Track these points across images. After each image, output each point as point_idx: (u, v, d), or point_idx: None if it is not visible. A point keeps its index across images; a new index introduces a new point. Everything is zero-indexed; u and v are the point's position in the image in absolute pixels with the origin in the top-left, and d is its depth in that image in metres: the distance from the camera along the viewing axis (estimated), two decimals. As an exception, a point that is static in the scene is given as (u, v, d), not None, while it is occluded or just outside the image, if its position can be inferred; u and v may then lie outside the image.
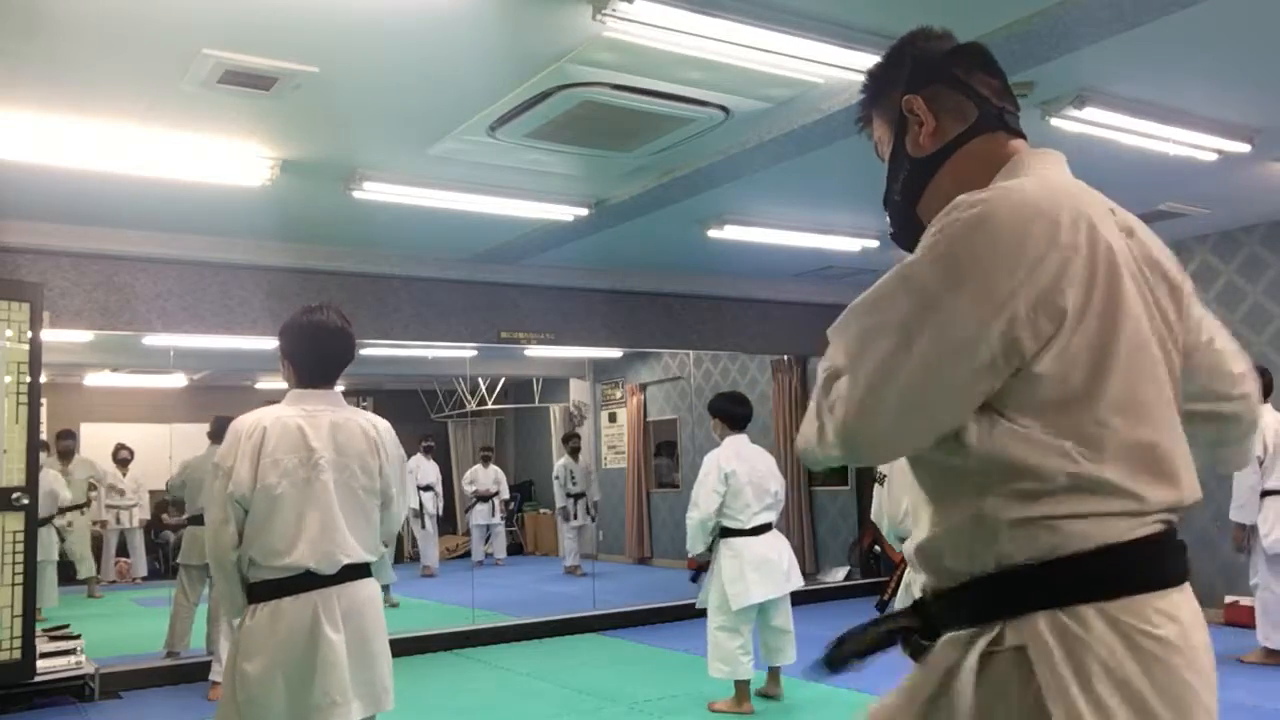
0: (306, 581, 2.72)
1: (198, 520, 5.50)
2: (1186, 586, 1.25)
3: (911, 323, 1.18)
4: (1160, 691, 1.16)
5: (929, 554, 1.30)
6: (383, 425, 2.99)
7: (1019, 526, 1.20)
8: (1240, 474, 5.59)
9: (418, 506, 10.30)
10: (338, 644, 2.71)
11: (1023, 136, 1.42)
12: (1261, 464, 5.64)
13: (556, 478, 11.00)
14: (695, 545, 5.33)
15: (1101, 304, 1.20)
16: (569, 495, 10.82)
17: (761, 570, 5.21)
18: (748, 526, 5.26)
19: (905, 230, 1.47)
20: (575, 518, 10.79)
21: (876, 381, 1.19)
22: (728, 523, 5.28)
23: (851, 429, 1.21)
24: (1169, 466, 1.23)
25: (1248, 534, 5.76)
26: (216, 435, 5.73)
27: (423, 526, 10.71)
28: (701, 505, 5.24)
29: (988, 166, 1.36)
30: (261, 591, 2.74)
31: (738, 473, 5.23)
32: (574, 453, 10.94)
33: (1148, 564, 1.21)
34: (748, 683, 5.21)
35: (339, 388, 3.04)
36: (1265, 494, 5.68)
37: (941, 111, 1.41)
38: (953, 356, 1.17)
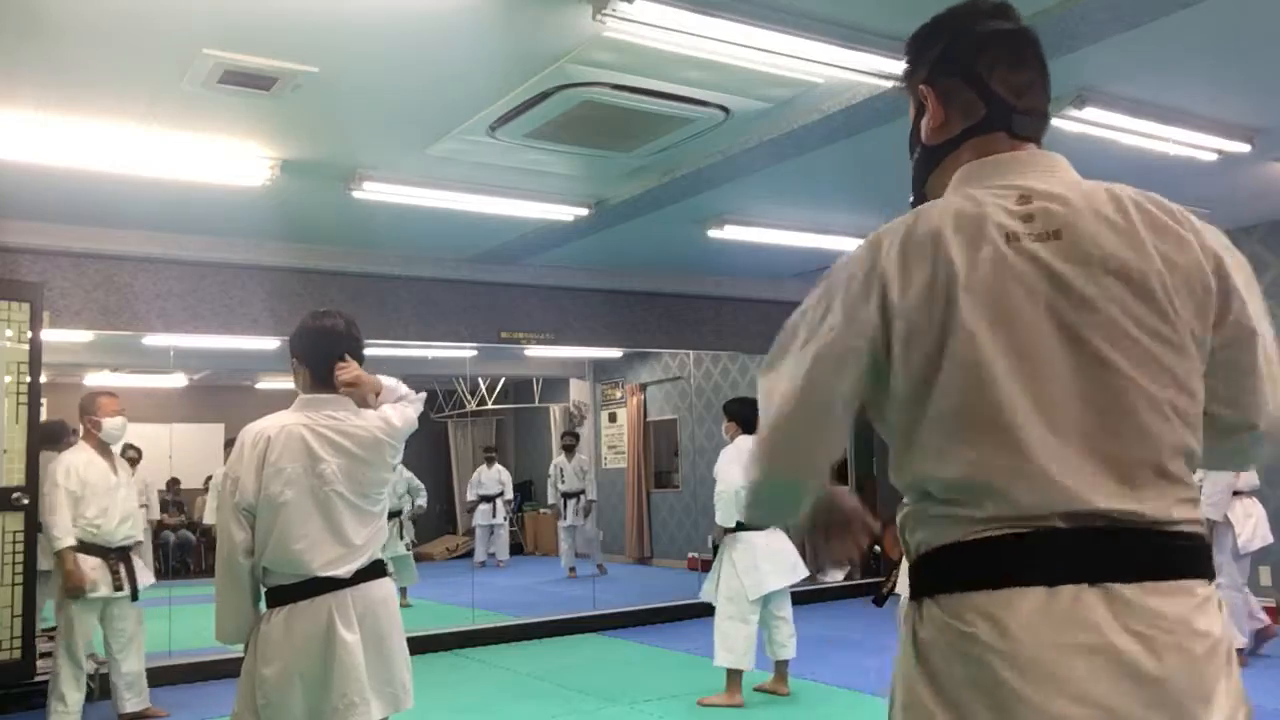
0: (320, 585, 2.73)
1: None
2: (1063, 590, 1.18)
3: (806, 340, 1.36)
4: (978, 692, 1.18)
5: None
6: (385, 426, 2.92)
7: (915, 522, 1.33)
8: (1216, 472, 5.58)
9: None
10: (353, 645, 2.71)
11: (1031, 140, 1.41)
12: None
13: (549, 476, 11.00)
14: (729, 517, 5.37)
15: (935, 326, 1.26)
16: (561, 494, 10.78)
17: (773, 560, 5.34)
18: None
19: (918, 205, 1.50)
20: (565, 517, 10.75)
21: (787, 409, 1.35)
22: (739, 517, 5.36)
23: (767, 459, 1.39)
24: (1012, 484, 1.22)
25: (1213, 530, 5.73)
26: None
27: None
28: (729, 478, 5.31)
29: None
30: (276, 596, 2.75)
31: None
32: (567, 450, 10.91)
33: (978, 564, 1.23)
34: (741, 675, 5.28)
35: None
36: (1236, 493, 5.73)
37: (951, 107, 1.42)
38: (828, 371, 1.33)
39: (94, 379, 8.21)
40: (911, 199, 1.53)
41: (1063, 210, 1.29)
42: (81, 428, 5.24)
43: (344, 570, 2.75)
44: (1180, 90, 4.48)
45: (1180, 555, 1.23)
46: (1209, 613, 1.22)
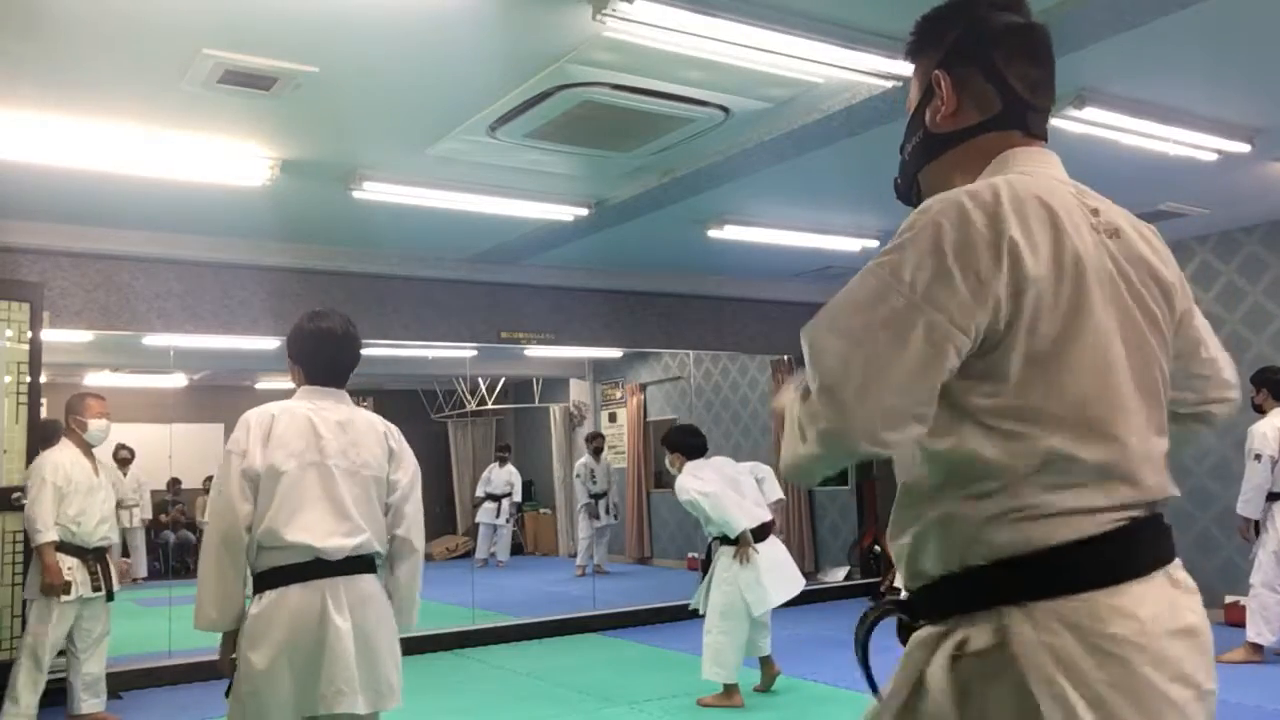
0: (314, 569, 2.72)
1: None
2: (1156, 577, 1.23)
3: (902, 315, 1.19)
4: (1120, 690, 1.17)
5: (902, 556, 1.35)
6: (392, 427, 3.04)
7: (978, 527, 1.24)
8: (1251, 471, 5.80)
9: None
10: (345, 632, 2.70)
11: (1041, 138, 1.41)
12: (1275, 464, 5.76)
13: (578, 476, 10.94)
14: (739, 523, 5.31)
15: (1064, 303, 1.22)
16: (591, 495, 10.76)
17: (774, 574, 5.33)
18: (753, 523, 5.33)
19: (906, 190, 1.51)
20: (599, 517, 10.71)
21: (872, 373, 1.19)
22: (729, 531, 5.34)
23: (840, 420, 1.20)
24: (1125, 468, 1.24)
25: (1251, 528, 5.89)
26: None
27: None
28: (706, 492, 5.26)
29: (985, 163, 1.37)
30: (269, 580, 2.73)
31: (710, 480, 5.32)
32: (596, 453, 10.87)
33: (1100, 561, 1.21)
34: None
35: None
36: (1273, 496, 5.79)
37: (965, 96, 1.39)
38: (943, 344, 1.19)
39: (94, 379, 8.21)
40: (898, 183, 1.51)
41: (1108, 211, 1.34)
42: (65, 427, 5.22)
43: (340, 545, 2.74)
44: (1180, 90, 4.47)
45: (1172, 537, 1.33)
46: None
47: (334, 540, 2.74)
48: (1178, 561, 1.30)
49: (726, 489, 5.34)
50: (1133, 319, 1.29)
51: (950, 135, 1.40)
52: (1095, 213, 1.31)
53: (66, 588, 4.95)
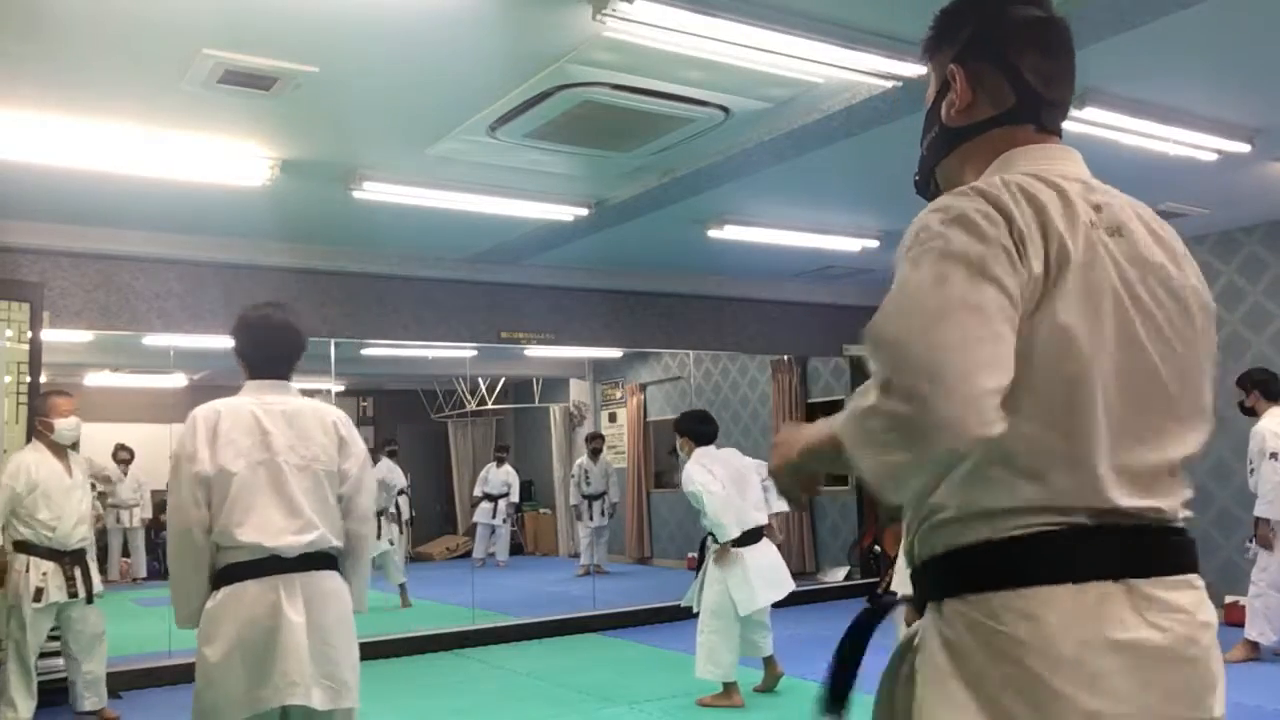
0: (269, 565, 2.73)
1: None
2: (1090, 587, 1.19)
3: (971, 290, 1.16)
4: (1014, 690, 1.16)
5: (906, 546, 1.38)
6: (340, 415, 3.01)
7: (942, 519, 1.27)
8: (1270, 470, 5.67)
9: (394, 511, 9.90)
10: (299, 626, 2.71)
11: (1055, 133, 1.40)
12: None
13: (572, 476, 10.96)
14: (730, 532, 5.30)
15: (1039, 299, 1.20)
16: (584, 495, 10.74)
17: (765, 575, 5.34)
18: (744, 529, 5.33)
19: (924, 185, 1.51)
20: (591, 518, 10.72)
21: (969, 350, 1.13)
22: (718, 535, 5.35)
23: (946, 405, 1.10)
24: (1055, 476, 1.20)
25: (1273, 529, 5.77)
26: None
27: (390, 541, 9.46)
28: (709, 488, 5.26)
29: (995, 157, 1.37)
30: (225, 576, 2.75)
31: (716, 475, 5.33)
32: (594, 454, 10.85)
33: (1004, 563, 1.21)
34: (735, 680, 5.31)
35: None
36: None
37: (979, 91, 1.39)
38: (1011, 316, 1.17)
39: (94, 379, 8.22)
40: (916, 178, 1.52)
41: (1117, 208, 1.31)
42: (34, 428, 5.16)
43: (293, 543, 2.74)
44: (1180, 90, 4.48)
45: (1184, 551, 1.28)
46: (1208, 604, 1.27)
47: (286, 539, 2.75)
48: (1175, 579, 1.24)
49: (731, 490, 5.33)
50: (1126, 321, 1.25)
51: (964, 129, 1.41)
52: (1098, 209, 1.28)
53: (38, 594, 4.90)
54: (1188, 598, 1.24)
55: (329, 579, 2.84)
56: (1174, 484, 1.28)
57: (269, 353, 2.99)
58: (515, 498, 11.45)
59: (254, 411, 2.84)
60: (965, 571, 1.23)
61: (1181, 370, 1.29)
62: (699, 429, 5.58)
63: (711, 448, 5.53)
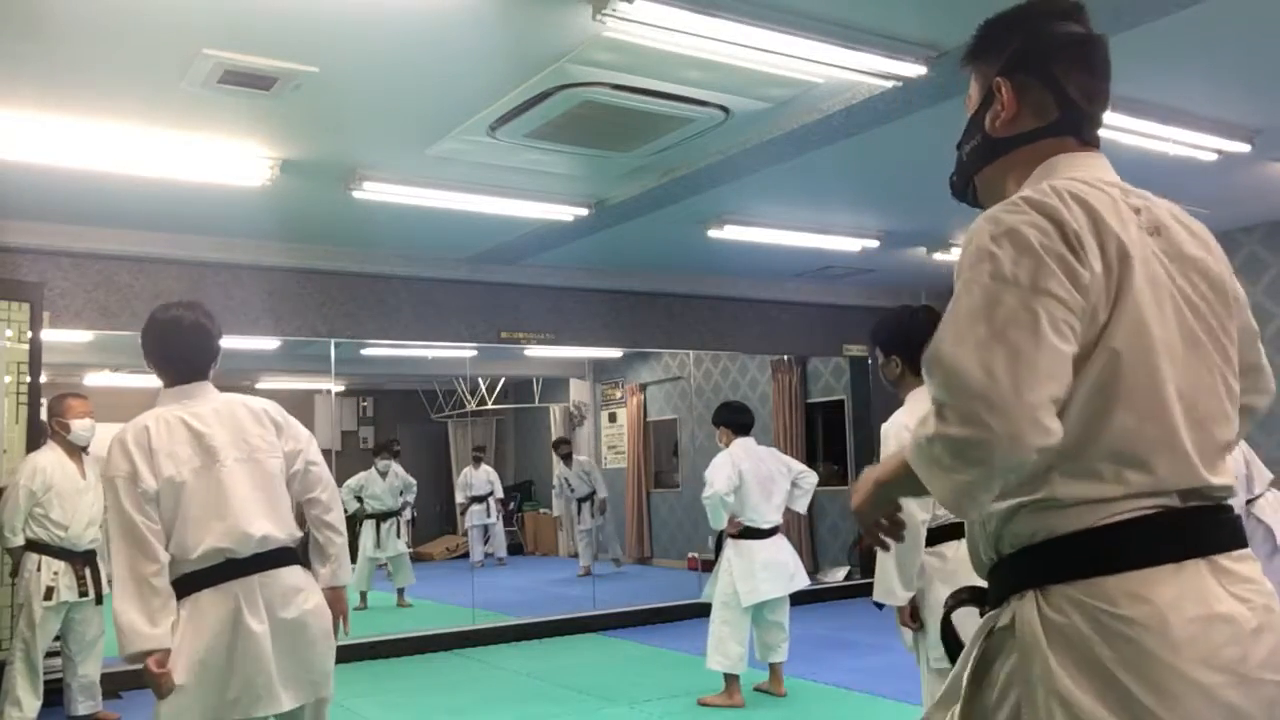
0: (226, 570, 2.65)
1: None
2: (1187, 565, 1.25)
3: (1024, 309, 1.22)
4: (1130, 669, 1.21)
5: (969, 549, 1.45)
6: (270, 403, 2.92)
7: (1005, 518, 1.33)
8: None
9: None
10: (261, 635, 2.64)
11: (1094, 145, 1.46)
12: None
13: (553, 487, 10.95)
14: (718, 520, 5.40)
15: (1111, 295, 1.27)
16: (576, 500, 10.71)
17: (770, 569, 5.35)
18: (756, 527, 5.37)
19: (962, 189, 1.57)
20: (581, 521, 10.70)
21: (1021, 369, 1.20)
22: (711, 522, 5.40)
23: (1004, 423, 1.19)
24: (1145, 459, 1.27)
25: None
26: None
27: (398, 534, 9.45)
28: (715, 484, 5.33)
29: (1036, 167, 1.43)
30: (181, 587, 2.65)
31: (745, 471, 5.36)
32: (565, 459, 10.80)
33: (1111, 547, 1.26)
34: (738, 677, 5.31)
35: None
36: None
37: (1025, 103, 1.45)
38: (1066, 330, 1.24)
39: (94, 379, 8.21)
40: (955, 181, 1.57)
41: (1154, 209, 1.39)
42: (50, 429, 5.19)
43: (242, 541, 2.66)
44: (1180, 90, 4.48)
45: (1239, 527, 1.36)
46: (1262, 576, 1.34)
47: (241, 540, 2.66)
48: (1239, 553, 1.31)
49: (754, 487, 5.35)
50: (1179, 312, 1.33)
51: (1008, 140, 1.47)
52: (1137, 211, 1.36)
53: (49, 593, 4.93)
54: (1254, 569, 1.31)
55: (289, 575, 2.74)
56: (1227, 464, 1.36)
57: (185, 359, 2.87)
58: (500, 494, 11.46)
59: (182, 418, 2.75)
60: (1071, 558, 1.27)
61: (1228, 353, 1.38)
62: (736, 419, 5.61)
63: (750, 440, 5.55)
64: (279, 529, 2.75)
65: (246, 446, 2.77)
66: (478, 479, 11.29)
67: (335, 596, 2.88)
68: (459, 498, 11.38)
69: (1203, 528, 1.30)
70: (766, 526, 5.40)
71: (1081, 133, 1.45)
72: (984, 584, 1.45)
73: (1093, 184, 1.35)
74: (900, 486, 1.41)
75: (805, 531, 9.83)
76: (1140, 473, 1.27)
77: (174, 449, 2.69)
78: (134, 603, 2.57)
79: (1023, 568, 1.32)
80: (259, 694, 2.64)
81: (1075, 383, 1.25)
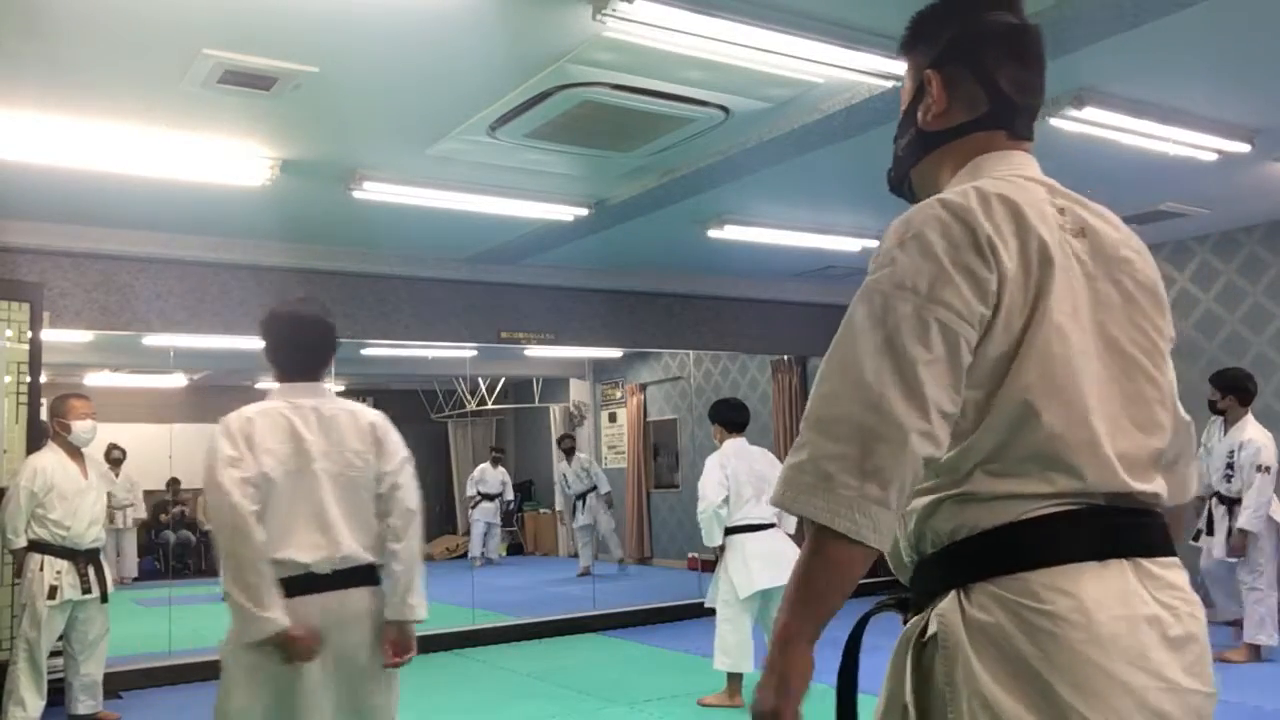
0: (303, 583, 2.61)
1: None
2: (1112, 565, 1.23)
3: (916, 318, 1.22)
4: (1054, 665, 1.17)
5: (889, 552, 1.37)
6: (376, 416, 2.87)
7: (925, 515, 1.30)
8: (1263, 484, 5.65)
9: None
10: (321, 680, 2.62)
11: (1027, 139, 1.43)
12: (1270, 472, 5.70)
13: (555, 483, 10.96)
14: (712, 537, 5.40)
15: (1030, 296, 1.25)
16: (575, 496, 10.71)
17: (764, 560, 5.32)
18: (748, 524, 5.37)
19: (898, 184, 1.55)
20: (577, 519, 10.70)
21: (910, 376, 1.20)
22: (729, 521, 5.38)
23: (894, 430, 1.19)
24: (1069, 460, 1.24)
25: (1247, 537, 5.74)
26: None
27: None
28: (707, 496, 5.36)
29: (968, 161, 1.41)
30: None
31: (736, 470, 5.38)
32: (568, 453, 10.84)
33: (1034, 543, 1.23)
34: (741, 676, 5.29)
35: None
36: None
37: (955, 97, 1.42)
38: (957, 340, 1.23)
39: (94, 379, 8.22)
40: (891, 176, 1.55)
41: (1080, 210, 1.37)
42: (51, 430, 5.18)
43: (325, 558, 2.63)
44: (1180, 90, 4.48)
45: (1167, 535, 1.34)
46: (1189, 587, 1.32)
47: (320, 554, 2.63)
48: (1166, 560, 1.29)
49: (746, 489, 5.36)
50: (1101, 317, 1.31)
51: (939, 134, 1.44)
52: (1062, 211, 1.34)
53: (52, 592, 4.93)
54: (1180, 578, 1.29)
55: (361, 597, 2.71)
56: (1157, 471, 1.34)
57: (301, 352, 2.82)
58: (509, 496, 11.48)
59: (288, 416, 2.69)
60: (993, 553, 1.24)
61: (1158, 356, 1.36)
62: (729, 417, 5.61)
63: (742, 441, 5.54)
64: (360, 551, 2.70)
65: (342, 460, 2.72)
66: (492, 476, 11.31)
67: (392, 630, 2.80)
68: (469, 491, 11.39)
69: (1128, 529, 1.27)
70: (760, 522, 5.40)
71: (1014, 126, 1.41)
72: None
73: (1017, 183, 1.32)
74: (808, 613, 1.24)
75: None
76: (1066, 476, 1.24)
77: (272, 445, 2.65)
78: (243, 590, 2.52)
79: (945, 566, 1.28)
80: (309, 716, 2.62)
81: (995, 387, 1.24)
